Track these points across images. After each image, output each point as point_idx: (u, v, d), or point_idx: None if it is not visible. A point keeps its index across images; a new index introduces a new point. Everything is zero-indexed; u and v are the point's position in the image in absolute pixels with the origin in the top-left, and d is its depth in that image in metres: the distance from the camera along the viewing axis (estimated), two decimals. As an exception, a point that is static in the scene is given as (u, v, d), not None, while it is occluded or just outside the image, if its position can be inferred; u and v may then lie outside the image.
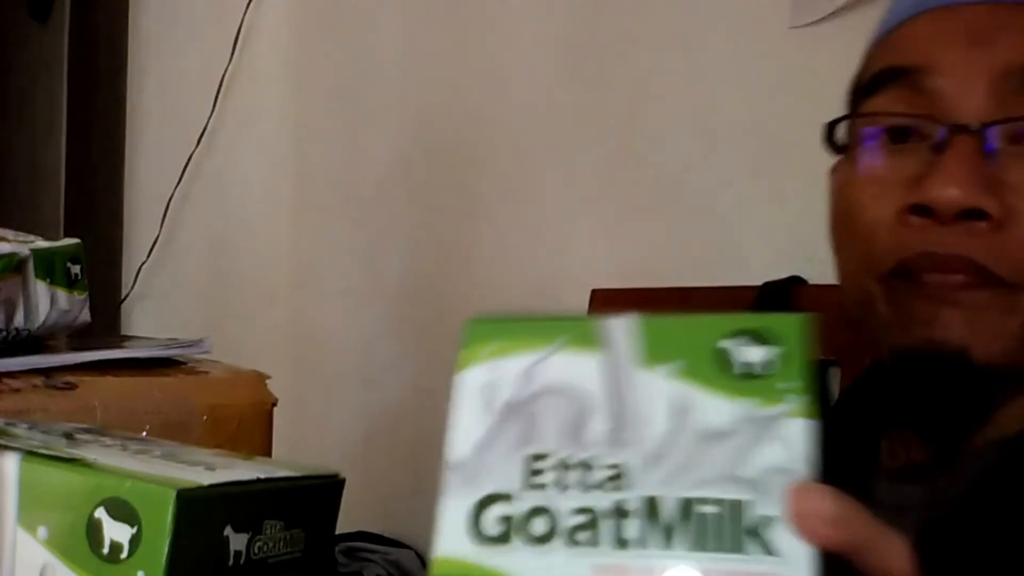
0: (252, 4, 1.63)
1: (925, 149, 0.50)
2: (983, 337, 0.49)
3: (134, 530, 0.36)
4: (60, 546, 0.37)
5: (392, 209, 1.51)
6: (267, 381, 0.83)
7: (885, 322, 0.52)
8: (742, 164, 1.09)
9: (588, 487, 0.33)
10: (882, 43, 0.56)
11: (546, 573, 0.32)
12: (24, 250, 0.78)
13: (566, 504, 0.32)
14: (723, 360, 0.34)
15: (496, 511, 0.33)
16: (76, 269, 0.82)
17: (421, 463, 1.41)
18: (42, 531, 0.37)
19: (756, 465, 0.32)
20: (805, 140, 1.02)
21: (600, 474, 0.33)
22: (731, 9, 1.11)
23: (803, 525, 0.31)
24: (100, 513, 0.37)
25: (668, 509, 0.32)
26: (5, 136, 1.71)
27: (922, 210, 0.49)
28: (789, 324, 0.34)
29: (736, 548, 0.31)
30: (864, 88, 0.55)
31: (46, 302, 0.79)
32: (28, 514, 0.38)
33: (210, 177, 1.68)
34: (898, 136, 0.52)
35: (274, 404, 0.81)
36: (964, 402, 0.51)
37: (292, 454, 0.64)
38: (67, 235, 0.91)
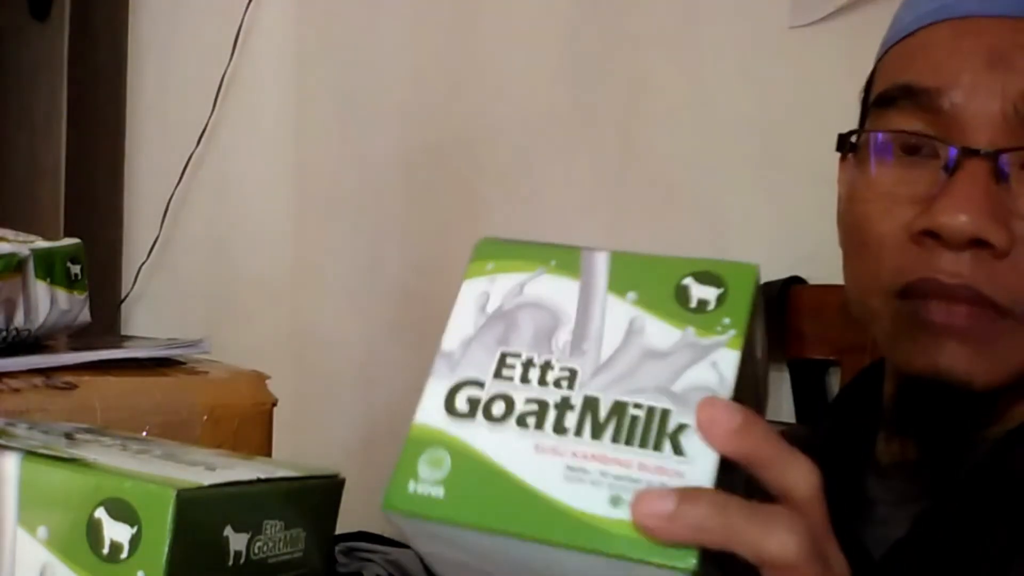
0: (252, 4, 1.63)
1: (936, 167, 0.50)
2: (986, 368, 0.49)
3: (134, 530, 0.36)
4: (60, 546, 0.37)
5: (392, 209, 1.51)
6: (267, 381, 0.83)
7: (889, 340, 0.52)
8: (742, 164, 1.09)
9: (544, 383, 0.39)
10: (899, 49, 0.55)
11: (496, 445, 0.38)
12: (24, 250, 0.78)
13: (523, 394, 0.39)
14: (681, 295, 0.40)
15: (467, 393, 0.40)
16: (76, 269, 0.82)
17: (421, 463, 1.40)
18: (42, 531, 0.37)
19: (685, 382, 0.37)
20: (805, 140, 1.02)
21: (556, 374, 0.39)
22: (731, 9, 1.11)
23: (708, 431, 0.35)
24: (100, 513, 0.36)
25: (604, 408, 0.38)
26: (5, 135, 1.71)
27: (931, 234, 0.49)
28: (740, 270, 0.40)
29: (653, 446, 0.36)
30: (879, 98, 0.54)
31: (46, 302, 0.79)
32: (28, 514, 0.38)
33: (210, 177, 1.68)
34: (910, 148, 0.51)
35: (274, 404, 0.81)
36: (965, 421, 0.51)
37: (292, 454, 0.64)
38: (67, 235, 0.91)
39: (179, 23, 1.77)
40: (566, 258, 0.42)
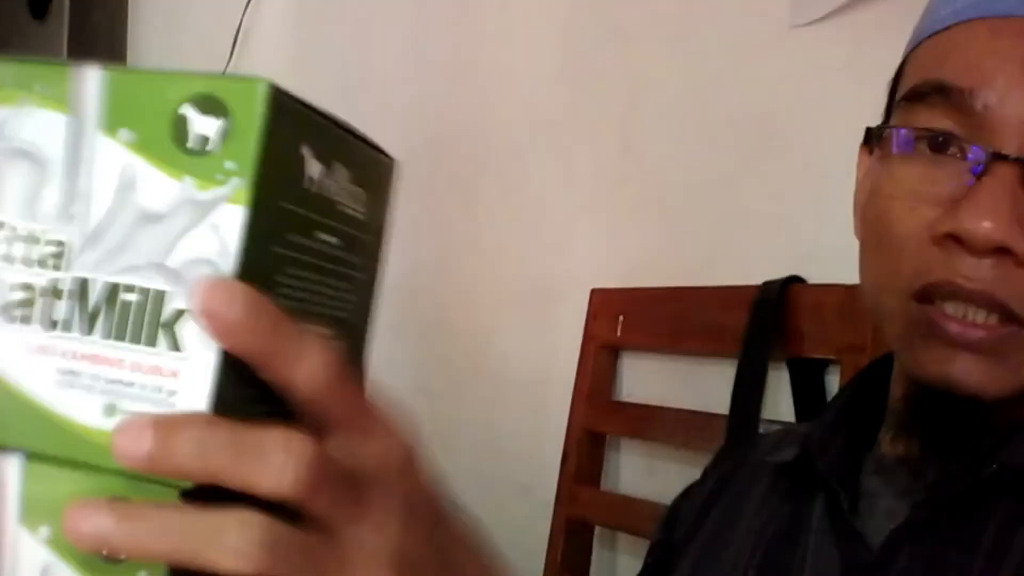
0: (252, 4, 1.63)
1: (963, 168, 0.49)
2: (998, 380, 0.49)
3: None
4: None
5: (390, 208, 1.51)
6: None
7: (902, 341, 0.52)
8: (742, 163, 1.09)
9: (31, 262, 0.32)
10: (932, 43, 0.53)
11: None
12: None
13: (10, 278, 0.32)
14: (179, 130, 0.31)
15: None
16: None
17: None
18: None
19: (183, 254, 0.31)
20: (805, 139, 1.02)
21: (44, 249, 0.32)
22: (731, 8, 1.11)
23: (209, 323, 0.29)
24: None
25: (96, 293, 0.31)
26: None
27: (954, 238, 0.48)
28: (246, 91, 0.31)
29: (148, 340, 0.31)
30: (909, 93, 0.53)
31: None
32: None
33: (210, 176, 1.68)
34: (938, 146, 0.51)
35: (274, 403, 0.81)
36: (973, 428, 0.51)
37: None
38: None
39: (179, 23, 1.77)
40: (53, 80, 0.32)
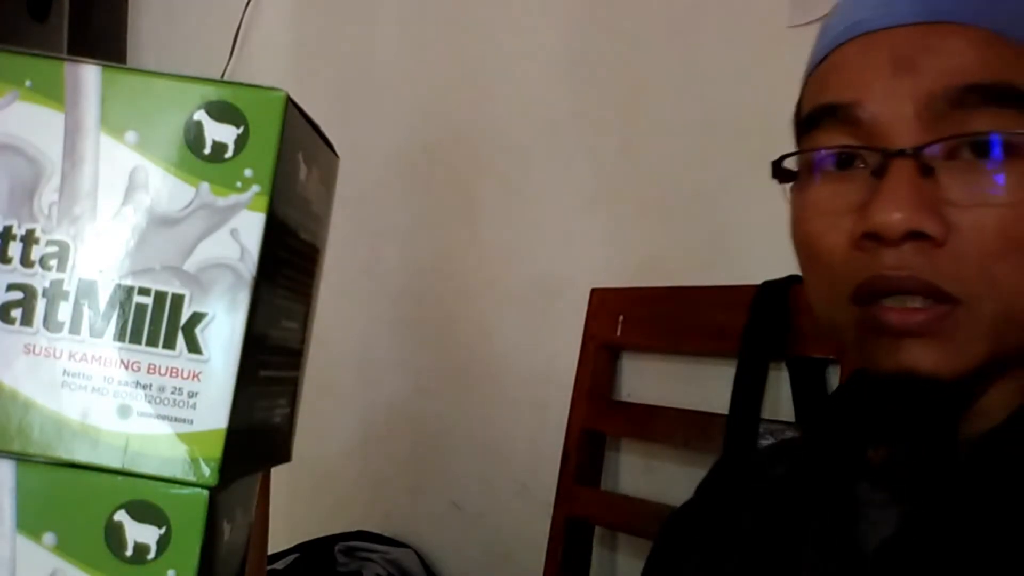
0: (252, 4, 1.63)
1: (867, 175, 0.52)
2: (950, 359, 0.50)
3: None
4: None
5: (392, 209, 1.51)
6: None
7: (856, 348, 0.54)
8: (742, 164, 1.09)
9: (29, 263, 0.32)
10: (817, 73, 0.58)
11: None
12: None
13: (5, 279, 0.32)
14: (193, 135, 0.32)
15: None
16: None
17: (420, 463, 1.42)
18: None
19: (200, 257, 0.31)
20: (805, 139, 1.02)
21: (43, 250, 0.32)
22: (730, 8, 1.11)
23: None
24: None
25: (103, 296, 0.31)
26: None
27: (871, 236, 0.51)
28: (264, 101, 0.32)
29: (165, 343, 0.31)
30: (804, 122, 0.57)
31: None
32: None
33: (209, 177, 1.68)
34: (843, 163, 0.54)
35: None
36: (942, 415, 0.52)
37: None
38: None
39: (179, 23, 1.77)
40: (46, 75, 0.32)
